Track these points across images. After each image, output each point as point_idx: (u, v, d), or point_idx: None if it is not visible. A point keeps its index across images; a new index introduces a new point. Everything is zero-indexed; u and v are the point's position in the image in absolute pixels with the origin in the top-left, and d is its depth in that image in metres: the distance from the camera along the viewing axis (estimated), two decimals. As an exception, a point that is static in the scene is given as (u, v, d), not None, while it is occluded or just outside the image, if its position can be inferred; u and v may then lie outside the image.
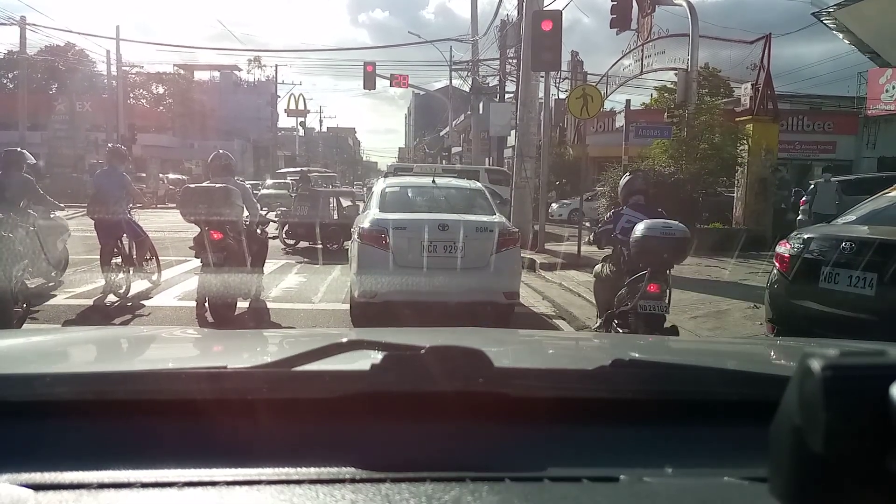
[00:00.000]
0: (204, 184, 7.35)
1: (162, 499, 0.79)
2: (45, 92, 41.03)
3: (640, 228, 4.74)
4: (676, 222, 4.93)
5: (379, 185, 7.90)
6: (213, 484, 0.80)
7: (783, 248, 5.17)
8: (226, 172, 7.02)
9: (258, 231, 6.94)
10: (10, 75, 42.81)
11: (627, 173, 6.47)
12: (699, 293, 8.12)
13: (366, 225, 6.59)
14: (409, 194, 7.63)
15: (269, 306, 6.96)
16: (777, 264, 5.23)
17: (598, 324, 5.57)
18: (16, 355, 1.50)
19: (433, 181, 7.96)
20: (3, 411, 0.96)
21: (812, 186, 14.96)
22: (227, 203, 6.26)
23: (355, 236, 6.78)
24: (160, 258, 8.46)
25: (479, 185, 8.36)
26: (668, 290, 4.74)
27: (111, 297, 7.53)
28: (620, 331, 4.86)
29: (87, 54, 41.31)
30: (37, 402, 0.99)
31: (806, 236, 5.15)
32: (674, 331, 4.80)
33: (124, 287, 7.69)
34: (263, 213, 8.40)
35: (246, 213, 6.78)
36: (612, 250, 5.49)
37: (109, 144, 10.55)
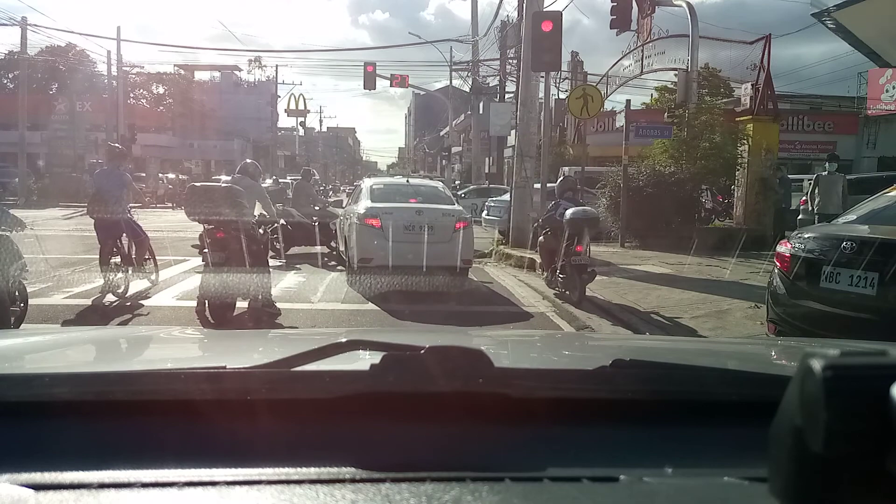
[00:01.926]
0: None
1: (162, 499, 0.79)
2: (46, 92, 40.99)
3: (568, 213, 7.79)
4: (590, 208, 8.48)
5: (367, 183, 10.19)
6: (214, 484, 0.80)
7: (784, 248, 5.16)
8: (241, 174, 7.27)
9: (261, 231, 6.95)
10: (10, 75, 42.79)
11: (562, 177, 9.75)
12: (700, 293, 8.09)
13: (362, 211, 8.68)
14: (391, 189, 9.75)
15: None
16: (778, 264, 5.21)
17: (545, 275, 8.68)
18: (14, 355, 1.50)
19: (407, 181, 10.72)
20: (3, 411, 0.96)
21: (811, 182, 12.34)
22: (231, 203, 6.27)
23: (354, 220, 8.81)
24: (157, 258, 8.44)
25: (440, 183, 11.06)
26: (588, 248, 7.74)
27: (110, 297, 7.51)
28: (561, 276, 7.90)
29: (88, 54, 41.30)
30: (36, 402, 0.98)
31: (807, 236, 5.15)
32: (592, 274, 7.67)
33: (123, 287, 7.66)
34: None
35: (260, 210, 7.05)
36: (549, 228, 8.42)
37: (109, 143, 10.55)
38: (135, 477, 0.81)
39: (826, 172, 11.57)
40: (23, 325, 5.71)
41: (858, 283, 4.44)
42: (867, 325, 4.29)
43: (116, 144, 10.01)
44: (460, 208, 9.32)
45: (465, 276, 8.99)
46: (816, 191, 11.41)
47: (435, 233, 8.42)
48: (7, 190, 27.39)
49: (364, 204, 8.89)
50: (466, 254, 8.74)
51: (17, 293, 5.78)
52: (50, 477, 0.80)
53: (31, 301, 6.17)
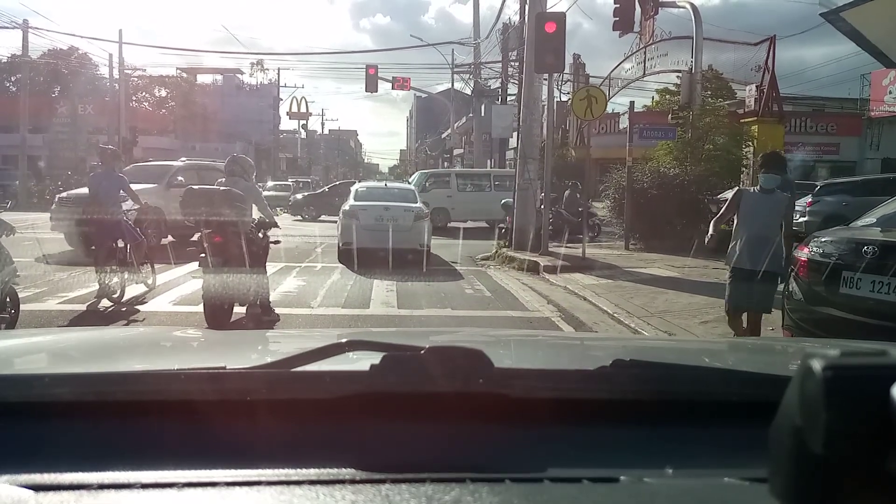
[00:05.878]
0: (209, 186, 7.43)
1: (162, 499, 0.79)
2: (48, 95, 41.00)
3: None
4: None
5: (354, 186, 13.98)
6: (213, 484, 0.80)
7: (802, 252, 4.94)
8: (233, 175, 6.85)
9: (260, 234, 6.87)
10: (12, 78, 42.90)
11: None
12: (707, 297, 7.71)
13: (347, 208, 11.97)
14: (371, 191, 13.34)
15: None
16: (795, 269, 5.00)
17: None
18: (15, 356, 1.50)
19: (385, 184, 14.83)
20: (3, 412, 0.96)
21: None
22: (229, 206, 6.20)
23: (340, 214, 12.14)
24: (154, 262, 8.30)
25: (410, 185, 15.24)
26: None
27: (105, 302, 7.31)
28: None
29: (90, 58, 41.18)
30: (36, 402, 0.98)
31: (825, 239, 4.96)
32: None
33: (119, 291, 7.50)
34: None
35: (257, 214, 6.84)
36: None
37: (100, 144, 10.39)
38: (135, 478, 0.81)
39: (757, 188, 5.46)
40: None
41: (881, 288, 4.24)
42: (890, 332, 4.01)
43: (109, 145, 9.71)
44: (420, 205, 12.40)
45: (425, 257, 11.20)
46: (735, 219, 5.42)
47: (399, 223, 11.34)
48: (7, 193, 27.37)
49: (349, 202, 12.27)
50: (423, 239, 11.42)
51: (7, 298, 5.66)
52: (50, 478, 0.80)
53: (24, 306, 6.04)
